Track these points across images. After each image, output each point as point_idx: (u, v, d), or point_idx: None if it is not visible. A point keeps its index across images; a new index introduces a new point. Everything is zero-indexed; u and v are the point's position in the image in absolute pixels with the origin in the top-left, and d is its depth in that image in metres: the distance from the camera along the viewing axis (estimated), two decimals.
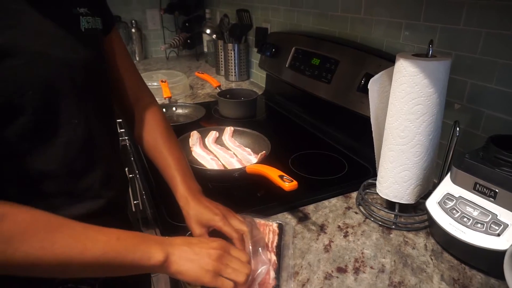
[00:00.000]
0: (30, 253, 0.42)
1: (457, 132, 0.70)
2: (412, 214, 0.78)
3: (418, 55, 0.68)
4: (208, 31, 1.84)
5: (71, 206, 0.58)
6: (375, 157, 0.83)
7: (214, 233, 0.61)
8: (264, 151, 0.95)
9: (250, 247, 0.60)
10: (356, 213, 0.80)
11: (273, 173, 0.74)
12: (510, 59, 0.71)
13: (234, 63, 1.80)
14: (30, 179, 0.53)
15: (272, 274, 0.60)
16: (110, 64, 0.72)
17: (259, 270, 0.57)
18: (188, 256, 0.52)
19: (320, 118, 1.21)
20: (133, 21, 2.28)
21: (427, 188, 0.76)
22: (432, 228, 0.71)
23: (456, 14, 0.79)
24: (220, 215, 0.61)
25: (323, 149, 1.07)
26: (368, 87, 0.73)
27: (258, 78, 1.79)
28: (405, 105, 0.68)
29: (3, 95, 0.47)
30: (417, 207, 0.79)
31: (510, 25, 0.70)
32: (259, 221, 0.71)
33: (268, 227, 0.70)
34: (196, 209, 0.62)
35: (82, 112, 0.58)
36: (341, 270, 0.64)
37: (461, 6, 0.77)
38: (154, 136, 0.74)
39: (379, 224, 0.75)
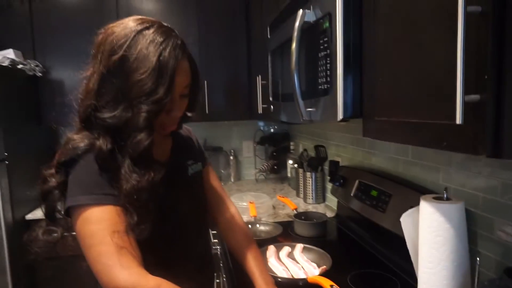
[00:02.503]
0: None
1: (478, 262, 0.85)
2: None
3: (438, 198, 0.90)
4: (290, 162, 2.23)
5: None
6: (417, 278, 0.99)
7: None
8: (325, 266, 1.16)
9: None
10: None
11: (325, 282, 0.96)
12: None
13: (312, 188, 2.11)
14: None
15: None
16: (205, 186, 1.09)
17: None
18: None
19: (380, 242, 1.38)
20: (231, 150, 2.84)
21: None
22: None
23: (477, 165, 1.00)
24: None
25: (380, 269, 1.23)
26: (400, 220, 0.95)
27: (332, 202, 2.04)
28: (429, 235, 0.87)
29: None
30: None
31: None
32: None
33: None
34: None
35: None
36: None
37: (480, 160, 0.99)
38: (237, 240, 1.06)
39: None
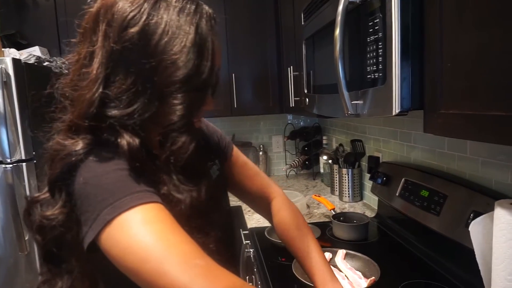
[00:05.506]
0: None
1: None
2: None
3: None
4: (324, 157, 2.10)
5: None
6: None
7: None
8: (373, 277, 1.04)
9: None
10: None
11: None
12: None
13: (348, 186, 1.98)
14: None
15: None
16: (239, 178, 0.92)
17: None
18: None
19: (432, 248, 1.24)
20: (261, 146, 2.73)
21: None
22: None
23: None
24: None
25: (435, 280, 1.09)
26: (469, 229, 0.81)
27: (371, 200, 1.91)
28: (508, 249, 0.74)
29: None
30: None
31: None
32: None
33: None
34: None
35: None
36: None
37: None
38: (289, 232, 0.91)
39: None
